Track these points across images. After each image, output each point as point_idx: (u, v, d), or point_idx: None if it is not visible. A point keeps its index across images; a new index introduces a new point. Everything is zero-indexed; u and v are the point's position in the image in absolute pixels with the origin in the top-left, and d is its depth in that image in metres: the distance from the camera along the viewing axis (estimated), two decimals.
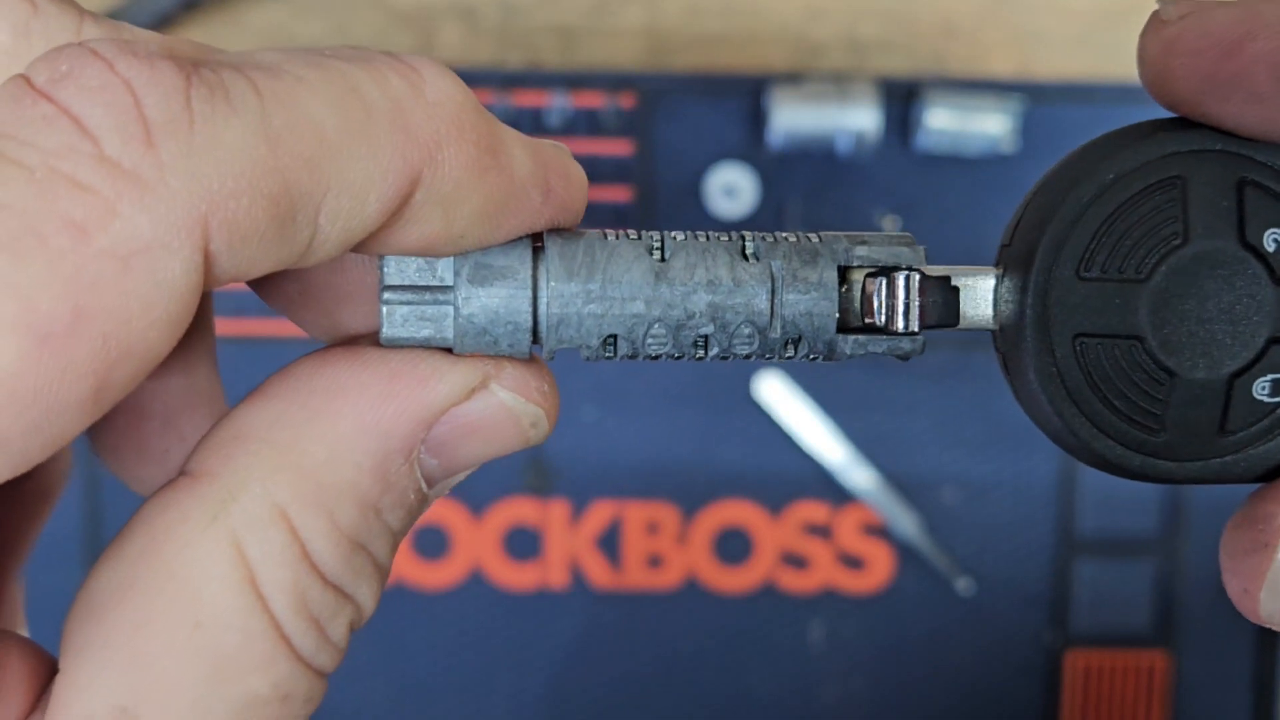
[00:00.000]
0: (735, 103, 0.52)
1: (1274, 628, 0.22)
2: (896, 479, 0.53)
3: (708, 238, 0.23)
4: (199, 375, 0.25)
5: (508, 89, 0.52)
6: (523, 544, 0.53)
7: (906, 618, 0.54)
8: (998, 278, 0.24)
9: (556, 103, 0.52)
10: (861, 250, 0.23)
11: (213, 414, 0.25)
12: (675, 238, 0.23)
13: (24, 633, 0.27)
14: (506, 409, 0.23)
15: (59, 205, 0.17)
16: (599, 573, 0.53)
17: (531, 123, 0.52)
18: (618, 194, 0.52)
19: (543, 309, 0.22)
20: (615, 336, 0.23)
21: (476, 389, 0.22)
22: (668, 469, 0.53)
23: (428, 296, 0.22)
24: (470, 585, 0.53)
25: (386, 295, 0.22)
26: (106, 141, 0.18)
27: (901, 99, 0.52)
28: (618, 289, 0.22)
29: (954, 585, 0.53)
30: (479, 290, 0.22)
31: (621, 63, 0.57)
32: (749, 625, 0.54)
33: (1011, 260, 0.23)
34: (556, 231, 0.23)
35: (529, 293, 0.22)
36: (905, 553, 0.53)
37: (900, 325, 0.23)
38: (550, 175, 0.22)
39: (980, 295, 0.24)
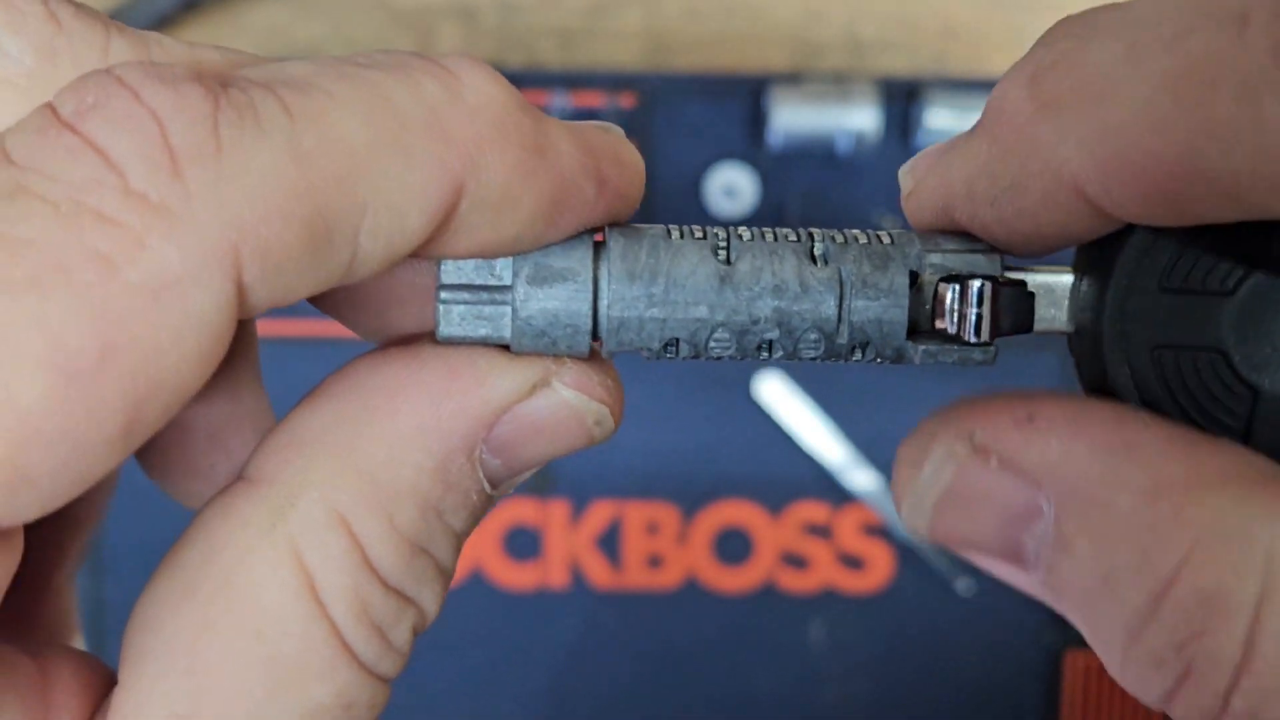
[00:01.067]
0: (735, 103, 0.52)
1: (916, 538, 0.22)
2: None
3: (775, 237, 0.22)
4: (243, 395, 0.24)
5: None
6: (523, 544, 0.53)
7: (906, 618, 0.54)
8: (1075, 279, 0.23)
9: (556, 103, 0.52)
10: (935, 258, 0.22)
11: (258, 429, 0.24)
12: (742, 236, 0.22)
13: (78, 643, 0.26)
14: (570, 407, 0.22)
15: (85, 240, 0.17)
16: (599, 573, 0.53)
17: None
18: None
19: (603, 312, 0.22)
20: (677, 340, 0.22)
21: (538, 386, 0.22)
22: (668, 469, 0.53)
23: (485, 296, 0.22)
24: (470, 585, 0.53)
25: (443, 294, 0.22)
26: (132, 173, 0.17)
27: (901, 99, 0.52)
28: (681, 293, 0.22)
29: (954, 585, 0.53)
30: (538, 291, 0.21)
31: (621, 63, 0.57)
32: (749, 625, 0.54)
33: (1091, 265, 0.23)
34: (619, 228, 0.22)
35: (589, 295, 0.22)
36: (905, 553, 0.53)
37: (972, 336, 0.22)
38: (602, 164, 0.21)
39: (1056, 298, 0.23)
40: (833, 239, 0.22)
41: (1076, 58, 0.19)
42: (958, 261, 0.22)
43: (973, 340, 0.22)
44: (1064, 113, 0.19)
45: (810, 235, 0.22)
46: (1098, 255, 0.22)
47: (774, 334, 0.22)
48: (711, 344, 0.22)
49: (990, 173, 0.21)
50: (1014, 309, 0.22)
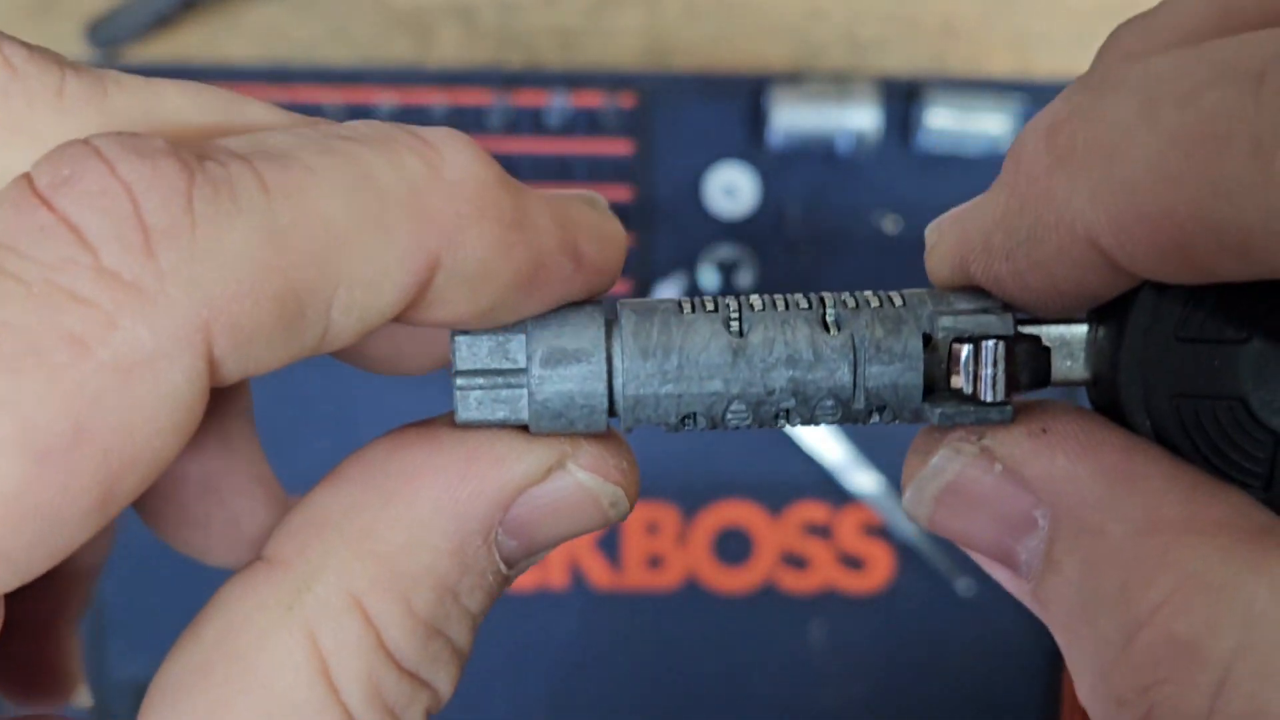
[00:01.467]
0: (735, 103, 0.52)
1: (915, 523, 0.23)
2: (897, 479, 0.53)
3: (786, 305, 0.22)
4: (235, 445, 0.25)
5: (508, 89, 0.52)
6: None
7: (906, 618, 0.54)
8: (1091, 329, 0.23)
9: (556, 103, 0.52)
10: (947, 321, 0.22)
11: (252, 478, 0.25)
12: (753, 306, 0.22)
13: (81, 694, 0.26)
14: (585, 489, 0.22)
15: (57, 320, 0.17)
16: (599, 573, 0.53)
17: (532, 123, 0.52)
18: (618, 194, 0.52)
19: (618, 390, 0.22)
20: (694, 414, 0.22)
21: (554, 469, 0.22)
22: (668, 469, 0.53)
23: (500, 380, 0.22)
24: None
25: (459, 380, 0.22)
26: (105, 251, 0.17)
27: (901, 99, 0.52)
28: (695, 368, 0.22)
29: (954, 585, 0.53)
30: (552, 373, 0.22)
31: (621, 63, 0.57)
32: (749, 625, 0.54)
33: (1106, 314, 0.22)
34: (630, 304, 0.22)
35: (604, 375, 0.22)
36: (905, 553, 0.53)
37: (988, 396, 0.22)
38: (580, 239, 0.21)
39: (1072, 349, 0.23)
40: (844, 303, 0.22)
41: (1092, 111, 0.19)
42: (970, 323, 0.22)
43: (989, 400, 0.22)
44: (1078, 166, 0.19)
45: (821, 301, 0.22)
46: (1110, 307, 0.22)
47: (790, 403, 0.22)
48: (728, 416, 0.22)
49: (1006, 225, 0.21)
50: (1030, 366, 0.22)
